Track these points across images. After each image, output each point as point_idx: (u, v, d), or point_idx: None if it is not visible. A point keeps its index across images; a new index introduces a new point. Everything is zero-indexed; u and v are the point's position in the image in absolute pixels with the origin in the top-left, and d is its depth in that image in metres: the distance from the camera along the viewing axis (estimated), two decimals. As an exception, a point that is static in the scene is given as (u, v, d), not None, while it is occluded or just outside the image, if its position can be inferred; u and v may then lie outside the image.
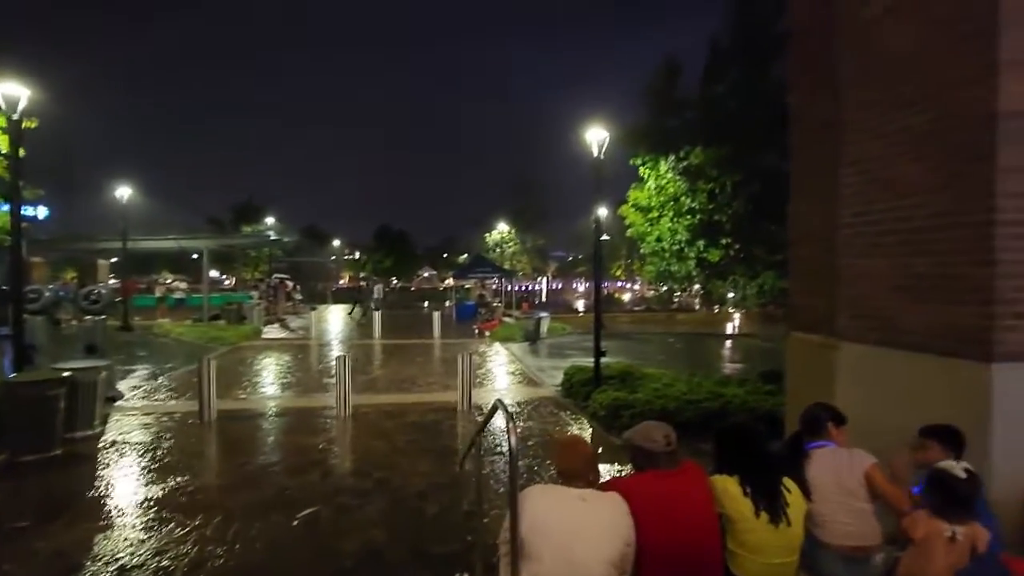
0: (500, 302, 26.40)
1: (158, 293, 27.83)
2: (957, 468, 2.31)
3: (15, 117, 7.14)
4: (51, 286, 16.37)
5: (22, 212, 7.87)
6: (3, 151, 8.95)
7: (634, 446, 2.55)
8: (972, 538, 2.24)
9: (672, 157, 10.61)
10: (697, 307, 31.26)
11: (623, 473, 5.82)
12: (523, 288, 48.84)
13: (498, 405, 2.73)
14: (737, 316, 26.96)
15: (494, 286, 30.39)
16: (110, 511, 4.79)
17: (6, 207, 10.19)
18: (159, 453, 6.33)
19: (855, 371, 4.22)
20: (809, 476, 2.70)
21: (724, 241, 10.65)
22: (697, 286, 13.18)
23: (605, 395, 7.87)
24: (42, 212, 23.76)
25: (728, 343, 19.64)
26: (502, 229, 41.48)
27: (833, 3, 4.36)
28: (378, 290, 31.89)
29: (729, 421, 3.65)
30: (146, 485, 5.39)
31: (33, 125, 8.85)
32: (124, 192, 19.84)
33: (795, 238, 5.24)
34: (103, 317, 10.49)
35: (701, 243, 10.55)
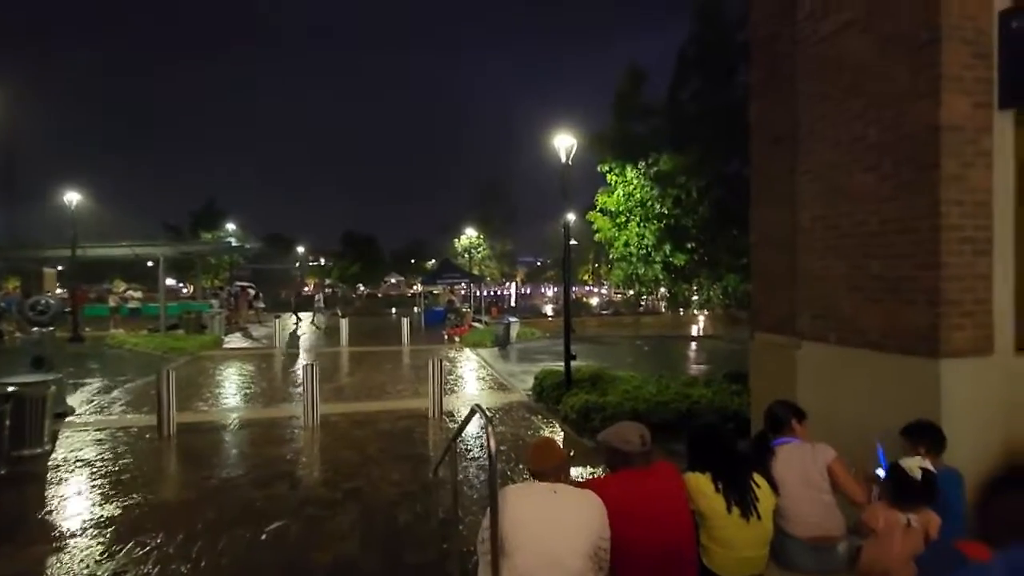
0: (469, 307, 26.31)
1: (111, 303, 26.62)
2: (915, 466, 2.43)
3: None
4: (-7, 296, 15.46)
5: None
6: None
7: (609, 447, 2.60)
8: (925, 525, 2.37)
9: (641, 163, 10.83)
10: (663, 310, 31.91)
11: (595, 476, 5.89)
12: (492, 293, 48.86)
13: (476, 410, 2.73)
14: (702, 318, 27.63)
15: (463, 291, 30.27)
16: (64, 532, 4.54)
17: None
18: (115, 470, 6.05)
19: (816, 369, 4.39)
20: (775, 471, 2.80)
21: (690, 245, 10.93)
22: (663, 289, 13.46)
23: (576, 398, 7.94)
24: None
25: (694, 345, 20.10)
26: (470, 234, 41.41)
27: (793, 17, 4.55)
28: (320, 298, 31.13)
29: (699, 422, 3.75)
30: (102, 504, 5.13)
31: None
32: (73, 197, 18.97)
33: (756, 241, 5.43)
34: (51, 328, 9.97)
35: (668, 247, 10.78)
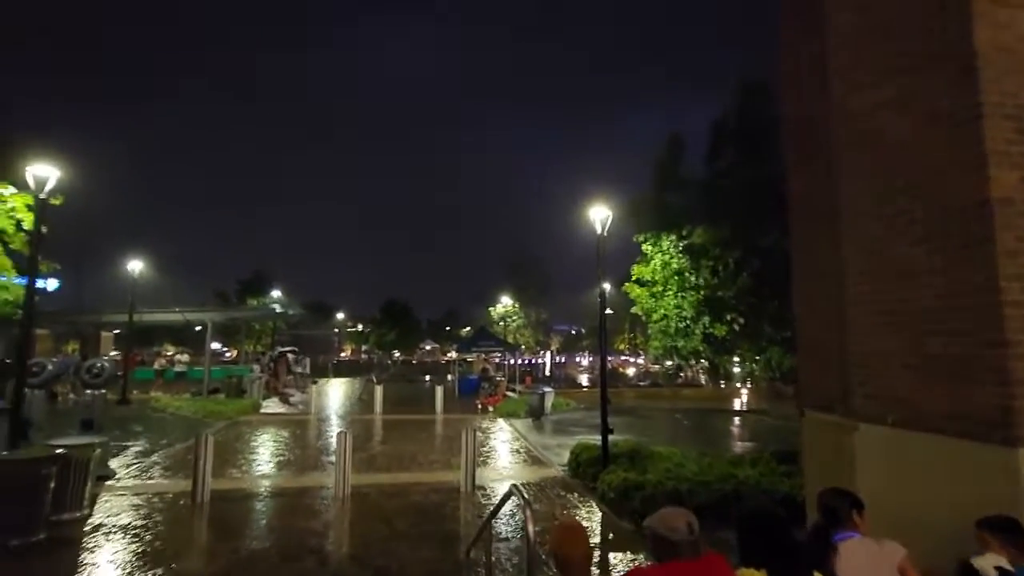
0: (503, 376, 26.05)
1: (156, 366, 27.60)
2: (990, 565, 2.19)
3: (42, 196, 7.45)
4: (54, 359, 16.30)
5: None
6: (25, 227, 9.25)
7: (655, 535, 2.43)
8: None
9: (675, 235, 10.91)
10: (704, 382, 30.79)
11: (637, 563, 5.50)
12: (526, 362, 48.38)
13: (513, 491, 2.64)
14: (745, 392, 26.47)
15: (497, 360, 30.11)
16: (92, 603, 4.48)
17: (19, 280, 10.38)
18: (149, 538, 6.03)
19: (876, 454, 4.09)
20: (840, 571, 2.56)
21: (729, 317, 10.70)
22: (704, 361, 13.07)
23: (614, 476, 7.58)
24: (52, 284, 24.11)
25: (737, 420, 19.13)
26: (506, 303, 41.72)
27: (827, 95, 4.65)
28: (300, 363, 29.69)
29: (749, 506, 3.49)
30: (133, 574, 5.08)
31: (58, 202, 9.20)
32: (135, 266, 20.24)
33: (801, 316, 5.27)
34: (103, 391, 10.36)
35: (707, 319, 10.59)
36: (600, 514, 7.23)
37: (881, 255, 4.14)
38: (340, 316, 59.53)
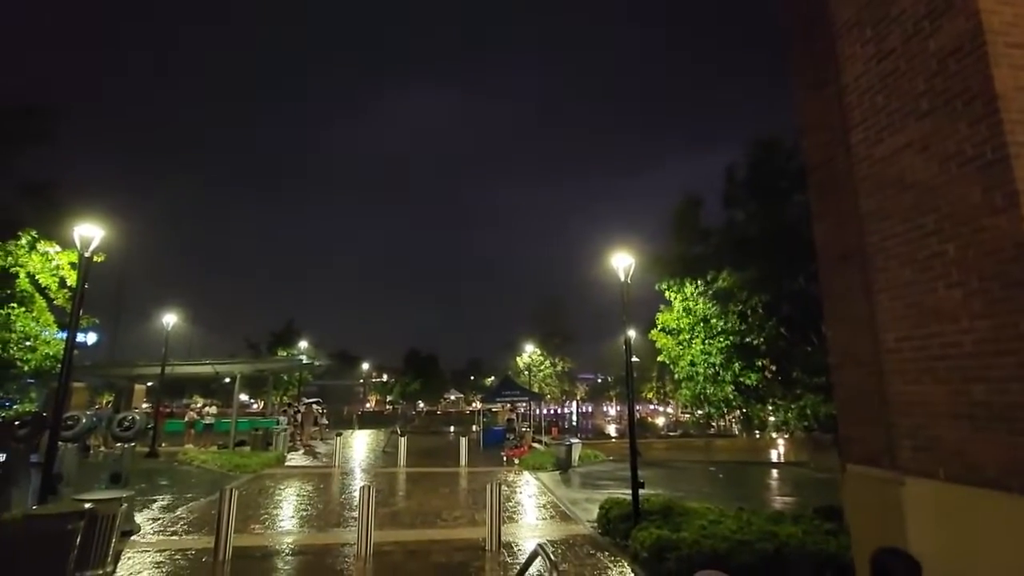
0: (529, 427, 25.51)
1: (186, 418, 27.90)
2: None
3: (86, 254, 7.82)
4: (88, 412, 16.62)
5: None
6: (69, 284, 9.68)
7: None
8: None
9: (699, 281, 10.81)
10: (737, 432, 29.63)
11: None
12: (552, 412, 47.44)
13: (538, 551, 2.53)
14: (782, 442, 25.33)
15: (522, 410, 29.60)
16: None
17: (60, 335, 10.78)
18: (168, 597, 5.91)
19: (928, 511, 3.81)
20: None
21: (760, 363, 10.39)
22: (736, 410, 12.62)
23: (647, 533, 7.22)
24: (91, 338, 24.96)
25: (774, 472, 18.22)
26: (531, 351, 41.42)
27: (847, 141, 4.66)
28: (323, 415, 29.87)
29: (793, 571, 3.27)
30: (150, 636, 4.96)
31: (101, 259, 9.64)
32: (169, 319, 20.86)
33: (837, 364, 5.07)
34: (133, 444, 10.46)
35: (737, 366, 10.30)
36: (632, 575, 6.84)
37: (916, 300, 4.00)
38: (365, 366, 59.76)
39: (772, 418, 12.84)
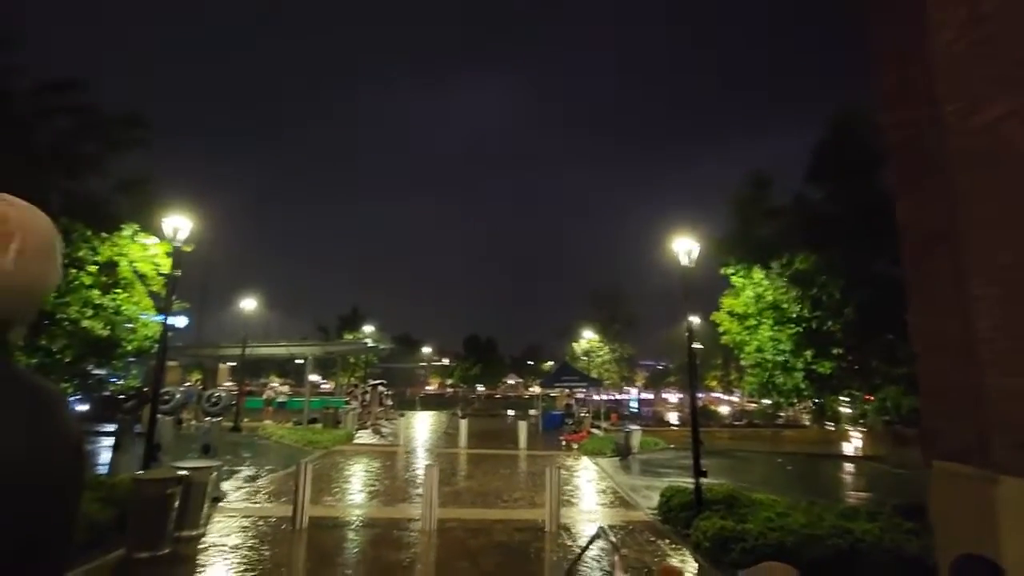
0: (588, 412, 25.47)
1: (264, 396, 29.87)
2: None
3: (177, 244, 8.50)
4: (180, 388, 18.17)
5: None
6: (163, 271, 10.56)
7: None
8: None
9: (774, 264, 10.30)
10: (807, 423, 28.26)
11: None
12: (611, 398, 47.07)
13: (600, 533, 2.57)
14: (857, 435, 23.95)
15: (581, 395, 29.57)
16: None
17: (156, 318, 11.81)
18: (254, 559, 6.45)
19: (1024, 513, 3.53)
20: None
21: (835, 352, 9.84)
22: (807, 400, 12.05)
23: (710, 523, 7.09)
24: (182, 321, 27.11)
25: (849, 466, 17.30)
26: (589, 336, 41.13)
27: (937, 113, 4.29)
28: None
29: (869, 571, 3.14)
30: (240, 593, 5.44)
31: (190, 249, 10.45)
32: (248, 303, 22.32)
33: (922, 352, 4.74)
34: (219, 419, 11.35)
35: (809, 353, 9.81)
36: (696, 565, 6.76)
37: (1017, 284, 3.67)
38: (427, 350, 61.54)
39: (848, 410, 12.18)
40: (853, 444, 23.37)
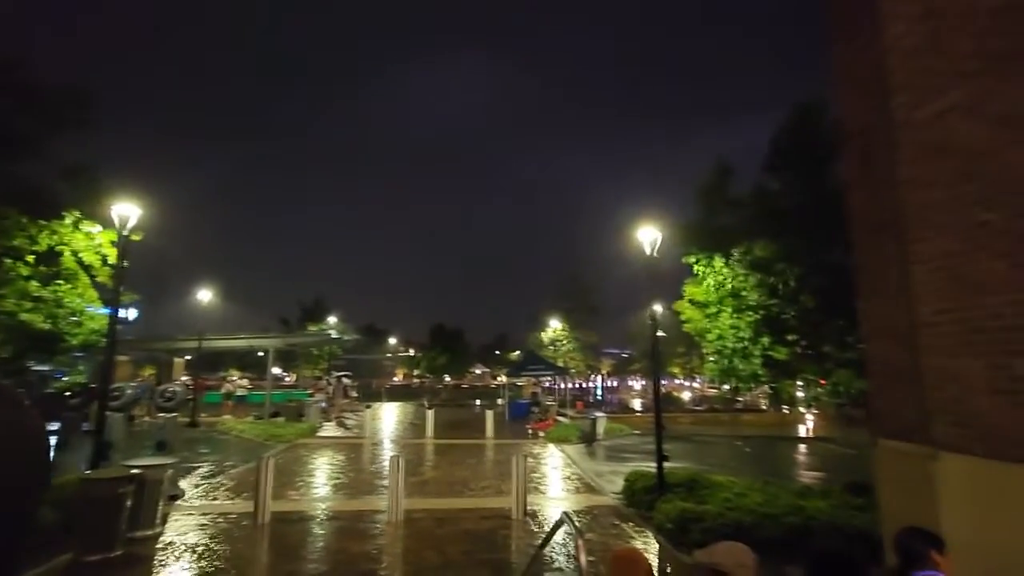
0: (554, 401, 25.74)
1: (223, 390, 28.99)
2: None
3: (124, 233, 8.09)
4: (132, 384, 17.43)
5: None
6: (110, 261, 10.05)
7: (716, 571, 2.30)
8: None
9: (735, 251, 10.57)
10: (765, 407, 29.34)
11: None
12: (577, 386, 47.67)
13: (564, 519, 2.58)
14: (810, 417, 25.01)
15: (547, 384, 29.83)
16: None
17: (103, 311, 11.26)
18: (214, 558, 6.26)
19: (962, 487, 3.75)
20: (925, 615, 2.33)
21: (791, 338, 10.21)
22: (764, 385, 12.48)
23: (672, 505, 7.28)
24: (132, 314, 25.93)
25: (803, 447, 18.03)
26: (555, 326, 41.49)
27: (886, 106, 4.45)
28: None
29: (821, 544, 3.27)
30: (198, 592, 5.27)
31: (138, 238, 9.97)
32: (204, 295, 21.52)
33: (870, 337, 4.96)
34: (174, 415, 10.95)
35: (766, 340, 10.14)
36: (657, 546, 6.93)
37: (956, 272, 3.86)
38: (392, 341, 60.85)
39: (801, 393, 12.66)
40: (807, 426, 24.40)
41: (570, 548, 6.47)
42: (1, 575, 0.75)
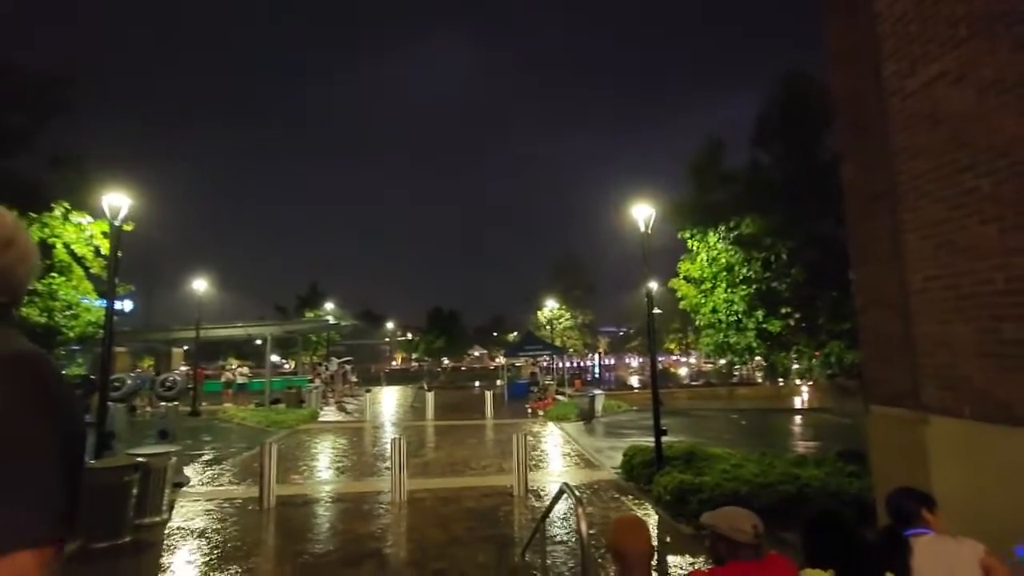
0: (552, 380, 25.96)
1: (223, 379, 29.05)
2: None
3: (116, 223, 8.03)
4: (132, 374, 17.46)
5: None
6: (103, 252, 9.99)
7: (717, 534, 2.38)
8: None
9: (722, 227, 10.60)
10: (760, 380, 29.69)
11: (696, 566, 5.36)
12: (575, 365, 48.02)
13: (564, 490, 2.64)
14: (805, 389, 25.34)
15: (545, 363, 30.05)
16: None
17: (99, 303, 11.22)
18: (222, 541, 6.37)
19: (952, 449, 3.84)
20: (916, 569, 2.42)
21: (784, 310, 10.30)
22: (759, 358, 12.61)
23: (669, 478, 7.43)
24: (127, 305, 25.86)
25: (797, 419, 18.34)
26: (552, 306, 41.65)
27: (876, 75, 4.44)
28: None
29: (814, 508, 3.35)
30: (209, 575, 5.38)
31: (130, 228, 9.89)
32: (200, 284, 21.44)
33: (863, 306, 5.02)
34: (175, 404, 11.01)
35: (760, 313, 10.23)
36: (656, 517, 7.09)
37: (947, 239, 3.90)
38: (390, 325, 60.99)
39: (796, 365, 12.82)
40: (802, 398, 24.74)
41: (571, 522, 6.61)
42: (70, 520, 0.82)
